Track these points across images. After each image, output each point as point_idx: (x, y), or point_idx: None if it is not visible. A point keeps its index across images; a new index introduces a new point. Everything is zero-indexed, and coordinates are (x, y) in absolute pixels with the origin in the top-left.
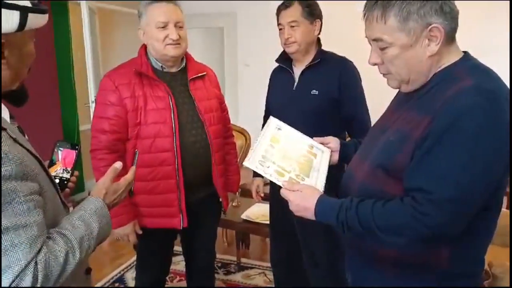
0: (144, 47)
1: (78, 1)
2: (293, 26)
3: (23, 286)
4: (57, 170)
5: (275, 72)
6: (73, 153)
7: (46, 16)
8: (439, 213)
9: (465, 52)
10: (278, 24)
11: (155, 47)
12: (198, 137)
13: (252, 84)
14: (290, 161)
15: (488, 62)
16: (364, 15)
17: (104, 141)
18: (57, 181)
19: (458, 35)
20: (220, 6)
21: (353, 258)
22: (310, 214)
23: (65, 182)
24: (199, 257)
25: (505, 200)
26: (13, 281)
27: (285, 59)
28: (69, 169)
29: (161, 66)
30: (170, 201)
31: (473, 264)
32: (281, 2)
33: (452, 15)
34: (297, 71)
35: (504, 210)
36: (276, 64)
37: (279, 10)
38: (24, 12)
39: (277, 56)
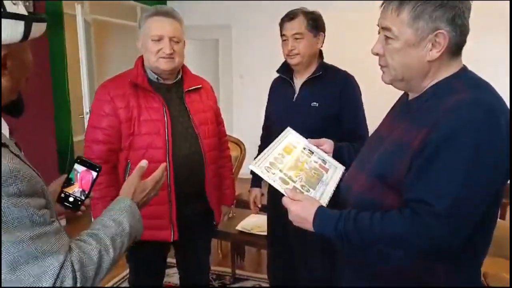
0: (142, 58)
1: (74, 13)
2: (297, 38)
3: (65, 286)
4: (74, 191)
5: (275, 83)
6: (91, 175)
7: (45, 24)
8: (439, 226)
9: (463, 66)
10: (282, 35)
11: (148, 58)
12: (192, 149)
13: (247, 95)
14: (299, 172)
15: (486, 74)
16: (382, 4)
17: (96, 151)
18: (71, 199)
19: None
20: (215, 19)
21: (348, 273)
22: (308, 225)
23: (79, 202)
24: (193, 270)
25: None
26: (54, 283)
27: (286, 70)
28: (86, 191)
29: (157, 78)
30: (161, 213)
31: (468, 279)
32: (282, 14)
33: (462, 30)
34: (298, 82)
35: (500, 221)
36: (272, 75)
37: (283, 21)
38: (29, 22)
39: (271, 67)
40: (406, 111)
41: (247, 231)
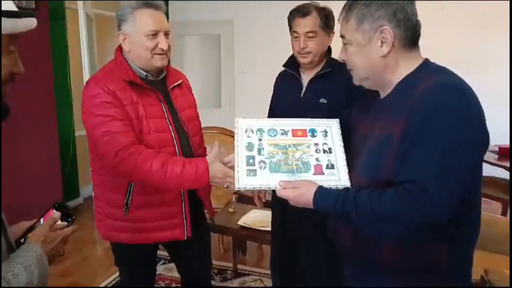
0: (120, 50)
1: (76, 8)
2: (310, 37)
3: None
4: (36, 223)
5: (281, 77)
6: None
7: (21, 21)
8: (429, 201)
9: (425, 59)
10: (293, 32)
11: (141, 55)
12: (186, 148)
13: (249, 90)
14: (278, 152)
15: (487, 73)
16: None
17: (123, 138)
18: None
19: (458, 45)
20: (217, 13)
21: (353, 265)
22: (310, 206)
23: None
24: (195, 268)
25: (500, 206)
26: None
27: (293, 65)
28: None
29: (146, 75)
30: (175, 213)
31: (467, 262)
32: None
33: (406, 24)
34: (306, 78)
35: (501, 217)
36: (275, 71)
37: (293, 17)
38: None
39: (273, 63)
40: (381, 108)
41: (248, 226)
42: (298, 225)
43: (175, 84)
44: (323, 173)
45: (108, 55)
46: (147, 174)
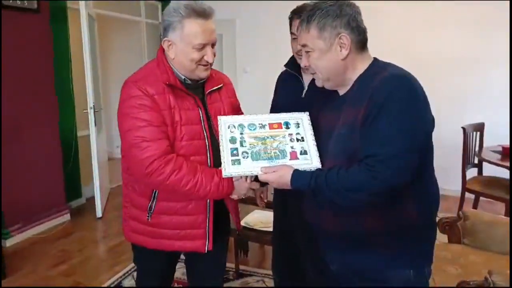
0: (162, 50)
1: (77, 8)
2: None
3: None
4: None
5: (282, 77)
6: None
7: None
8: (387, 169)
9: (374, 58)
10: (291, 33)
11: (185, 65)
12: (217, 158)
13: (251, 90)
14: (258, 143)
15: (488, 71)
16: (297, 28)
17: (159, 147)
18: None
19: (458, 45)
20: (219, 13)
21: (337, 246)
22: (287, 186)
23: None
24: (207, 282)
25: (504, 207)
26: None
27: (294, 65)
28: None
29: (184, 79)
30: (198, 223)
31: (431, 215)
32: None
33: (358, 30)
34: (307, 78)
35: (504, 218)
36: (277, 70)
37: (292, 17)
38: None
39: (275, 62)
40: (342, 103)
41: (251, 227)
42: (300, 225)
43: (213, 88)
44: (298, 158)
45: (110, 55)
46: (178, 186)
